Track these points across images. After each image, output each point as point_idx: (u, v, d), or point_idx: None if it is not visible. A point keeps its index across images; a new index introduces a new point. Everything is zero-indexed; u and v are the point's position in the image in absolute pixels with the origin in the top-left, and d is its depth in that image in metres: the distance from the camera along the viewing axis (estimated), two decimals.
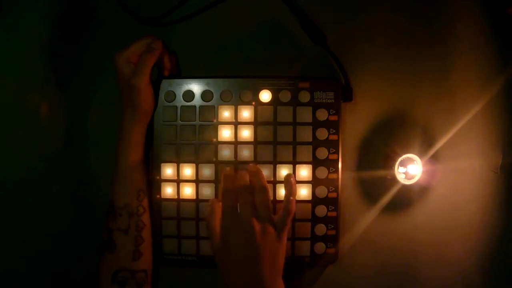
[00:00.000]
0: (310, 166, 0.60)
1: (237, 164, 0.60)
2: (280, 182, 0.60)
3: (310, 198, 0.60)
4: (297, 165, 0.60)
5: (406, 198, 0.62)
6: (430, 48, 0.63)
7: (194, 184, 0.61)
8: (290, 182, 0.58)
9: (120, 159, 0.59)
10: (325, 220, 0.60)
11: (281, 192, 0.60)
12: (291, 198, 0.57)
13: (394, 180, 0.59)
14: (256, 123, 0.61)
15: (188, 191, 0.61)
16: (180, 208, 0.61)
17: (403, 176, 0.59)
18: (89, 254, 0.62)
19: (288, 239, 0.59)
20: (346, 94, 0.61)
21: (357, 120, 0.63)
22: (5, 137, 0.64)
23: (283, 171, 0.60)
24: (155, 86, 0.60)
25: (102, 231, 0.59)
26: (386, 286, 0.63)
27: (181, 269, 0.64)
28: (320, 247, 0.61)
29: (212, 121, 0.61)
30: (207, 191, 0.61)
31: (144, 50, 0.57)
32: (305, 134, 0.60)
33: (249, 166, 0.59)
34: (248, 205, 0.55)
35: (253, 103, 0.61)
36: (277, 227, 0.55)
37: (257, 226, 0.54)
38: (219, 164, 0.61)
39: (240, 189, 0.56)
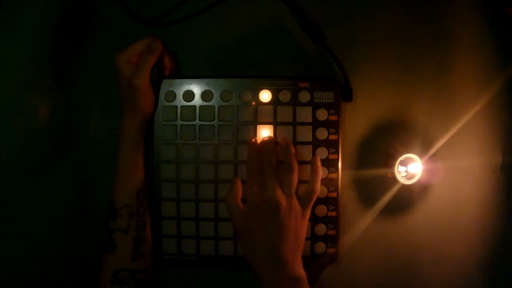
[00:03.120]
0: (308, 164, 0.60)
1: (238, 163, 0.60)
2: None
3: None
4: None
5: (406, 198, 0.62)
6: (430, 48, 0.63)
7: (194, 184, 0.61)
8: (317, 164, 0.58)
9: (120, 159, 0.59)
10: (325, 219, 0.60)
11: None
12: (317, 178, 0.57)
13: (394, 179, 0.59)
14: (256, 123, 0.61)
15: (188, 191, 0.61)
16: (180, 208, 0.61)
17: (404, 175, 0.59)
18: (88, 254, 0.63)
19: None
20: (346, 94, 0.61)
21: (357, 120, 0.63)
22: (4, 137, 0.64)
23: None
24: (155, 86, 0.60)
25: (102, 231, 0.59)
26: (386, 285, 0.63)
27: (181, 269, 0.64)
28: (320, 247, 0.61)
29: (212, 121, 0.61)
30: (207, 191, 0.61)
31: (144, 51, 0.57)
32: (305, 134, 0.60)
33: (281, 140, 0.59)
34: (275, 183, 0.55)
35: (253, 103, 0.61)
36: (301, 205, 0.56)
37: (283, 203, 0.54)
38: (219, 164, 0.61)
39: (267, 166, 0.57)
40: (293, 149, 0.59)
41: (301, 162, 0.60)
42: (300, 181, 0.57)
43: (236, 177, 0.59)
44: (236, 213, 0.56)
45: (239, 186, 0.58)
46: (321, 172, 0.58)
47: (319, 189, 0.57)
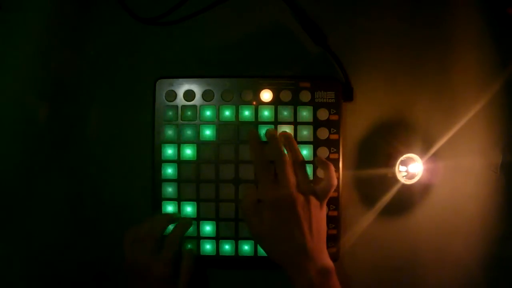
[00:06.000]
0: (311, 165, 0.60)
1: (239, 163, 0.60)
2: None
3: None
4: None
5: (407, 198, 0.62)
6: (431, 48, 0.63)
7: (194, 184, 0.61)
8: (323, 160, 0.58)
9: None
10: (326, 219, 0.60)
11: None
12: (331, 173, 0.57)
13: (394, 179, 0.59)
14: (257, 123, 0.61)
15: (188, 191, 0.61)
16: (181, 208, 0.61)
17: (404, 175, 0.59)
18: (89, 254, 0.63)
19: None
20: (346, 94, 0.61)
21: (357, 120, 0.63)
22: (4, 137, 0.64)
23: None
24: None
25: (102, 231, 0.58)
26: (387, 285, 0.63)
27: None
28: None
29: (213, 121, 0.61)
30: (208, 191, 0.61)
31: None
32: (306, 133, 0.60)
33: (281, 134, 0.59)
34: (288, 176, 0.55)
35: (254, 102, 0.61)
36: (318, 197, 0.56)
37: (299, 197, 0.54)
38: (220, 164, 0.61)
39: (277, 161, 0.56)
40: (295, 141, 0.59)
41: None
42: None
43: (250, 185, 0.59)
44: (254, 216, 0.55)
45: (253, 190, 0.57)
46: (332, 165, 0.58)
47: (336, 183, 0.57)
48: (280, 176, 0.55)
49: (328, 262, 0.53)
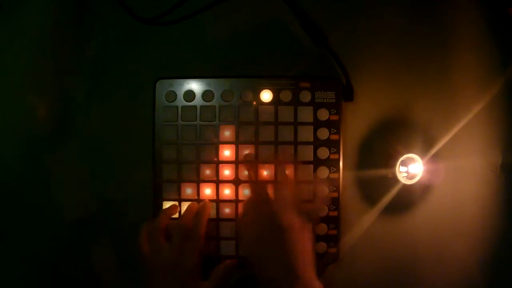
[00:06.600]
0: (311, 166, 0.60)
1: (239, 163, 0.60)
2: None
3: (311, 197, 0.60)
4: (298, 165, 0.60)
5: (407, 198, 0.62)
6: (431, 48, 0.63)
7: (195, 184, 0.61)
8: (319, 186, 0.60)
9: None
10: (326, 219, 0.61)
11: None
12: (321, 196, 0.59)
13: (395, 179, 0.59)
14: (257, 123, 0.61)
15: (189, 191, 0.61)
16: (181, 208, 0.61)
17: (404, 175, 0.59)
18: (89, 254, 0.62)
19: None
20: (347, 94, 0.61)
21: (358, 120, 0.63)
22: (4, 137, 0.64)
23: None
24: None
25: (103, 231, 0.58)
26: (387, 285, 0.63)
27: None
28: (321, 246, 0.61)
29: (213, 121, 0.61)
30: (208, 191, 0.61)
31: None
32: (306, 134, 0.60)
33: (265, 159, 0.60)
34: (279, 202, 0.55)
35: (254, 103, 0.61)
36: (306, 221, 0.55)
37: (290, 221, 0.54)
38: (220, 165, 0.60)
39: (270, 183, 0.57)
40: (285, 166, 0.59)
41: (302, 162, 0.60)
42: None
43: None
44: (246, 238, 0.56)
45: (247, 210, 0.58)
46: (325, 192, 0.60)
47: (326, 210, 0.59)
48: (269, 201, 0.56)
49: (318, 284, 0.53)
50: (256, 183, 0.58)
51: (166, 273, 0.55)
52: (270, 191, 0.57)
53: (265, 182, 0.58)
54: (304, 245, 0.54)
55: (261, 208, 0.56)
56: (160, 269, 0.55)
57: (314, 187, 0.60)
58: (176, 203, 0.61)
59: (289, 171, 0.59)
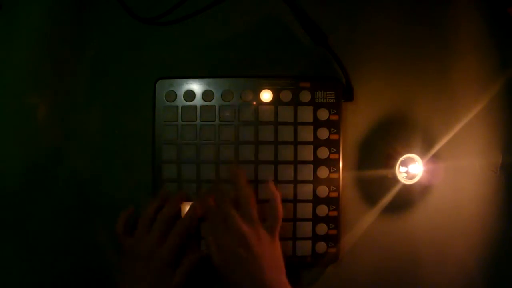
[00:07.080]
0: (311, 165, 0.60)
1: (239, 163, 0.60)
2: (283, 181, 0.60)
3: (311, 197, 0.60)
4: (298, 165, 0.60)
5: (407, 198, 0.62)
6: (431, 48, 0.63)
7: (195, 184, 0.61)
8: (271, 190, 0.58)
9: None
10: (326, 219, 0.61)
11: (286, 191, 0.60)
12: (276, 204, 0.57)
13: (395, 180, 0.59)
14: (257, 123, 0.61)
15: (189, 191, 0.60)
16: (181, 208, 0.61)
17: (404, 175, 0.59)
18: (89, 254, 0.62)
19: (289, 239, 0.60)
20: (347, 94, 0.61)
21: (358, 120, 0.63)
22: (4, 137, 0.64)
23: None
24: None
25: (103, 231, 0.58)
26: (387, 285, 0.63)
27: None
28: (321, 246, 0.61)
29: (213, 121, 0.61)
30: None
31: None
32: (306, 133, 0.60)
33: (232, 171, 0.58)
34: (236, 217, 0.55)
35: (254, 102, 0.61)
36: (268, 231, 0.56)
37: (249, 234, 0.54)
38: (220, 164, 0.61)
39: (225, 204, 0.56)
40: (244, 177, 0.58)
41: (302, 162, 0.60)
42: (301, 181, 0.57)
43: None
44: (214, 256, 0.55)
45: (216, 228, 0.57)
46: (278, 195, 0.58)
47: (282, 213, 0.57)
48: (228, 218, 0.55)
49: None
50: (210, 207, 0.57)
51: (141, 261, 0.56)
52: (224, 210, 0.56)
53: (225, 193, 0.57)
54: (270, 255, 0.55)
55: (218, 228, 0.56)
56: (136, 257, 0.56)
57: (268, 195, 0.58)
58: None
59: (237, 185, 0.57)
